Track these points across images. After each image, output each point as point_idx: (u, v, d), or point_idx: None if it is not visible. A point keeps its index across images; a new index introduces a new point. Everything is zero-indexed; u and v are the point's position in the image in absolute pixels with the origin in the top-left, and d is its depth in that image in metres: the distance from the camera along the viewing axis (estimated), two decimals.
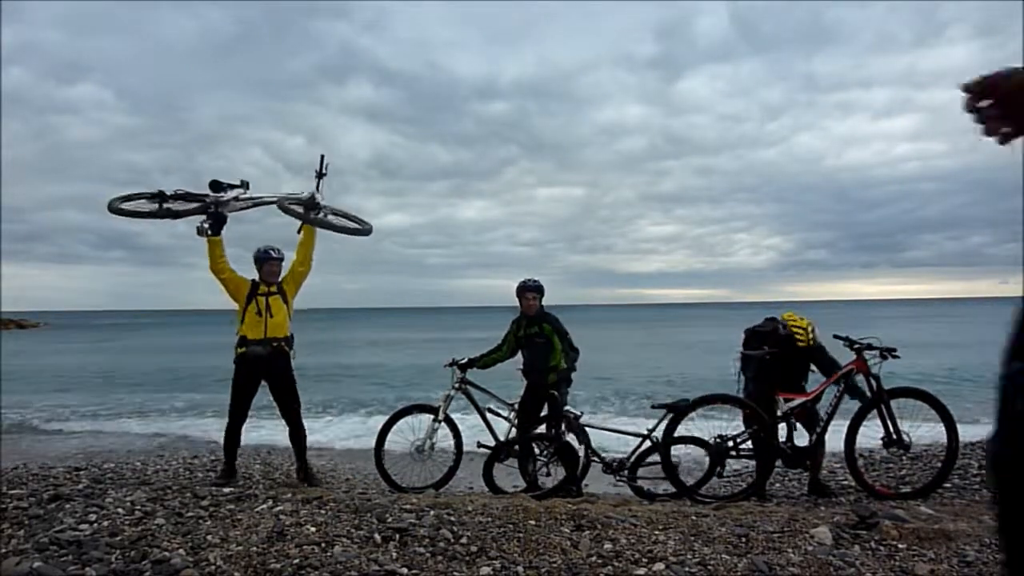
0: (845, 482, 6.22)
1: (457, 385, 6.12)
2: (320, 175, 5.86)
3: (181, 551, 3.23)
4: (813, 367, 5.65)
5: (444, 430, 6.01)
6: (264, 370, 5.65)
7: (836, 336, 5.55)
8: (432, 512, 3.72)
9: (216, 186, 5.55)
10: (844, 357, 5.57)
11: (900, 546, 3.36)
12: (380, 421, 6.37)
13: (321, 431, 10.31)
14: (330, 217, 5.94)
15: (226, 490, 4.47)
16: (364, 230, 6.10)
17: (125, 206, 5.30)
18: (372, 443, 6.12)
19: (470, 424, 6.36)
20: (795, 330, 5.55)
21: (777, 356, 5.55)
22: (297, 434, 5.85)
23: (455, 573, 3.05)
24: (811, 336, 5.54)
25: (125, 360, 29.21)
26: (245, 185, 5.69)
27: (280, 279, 5.80)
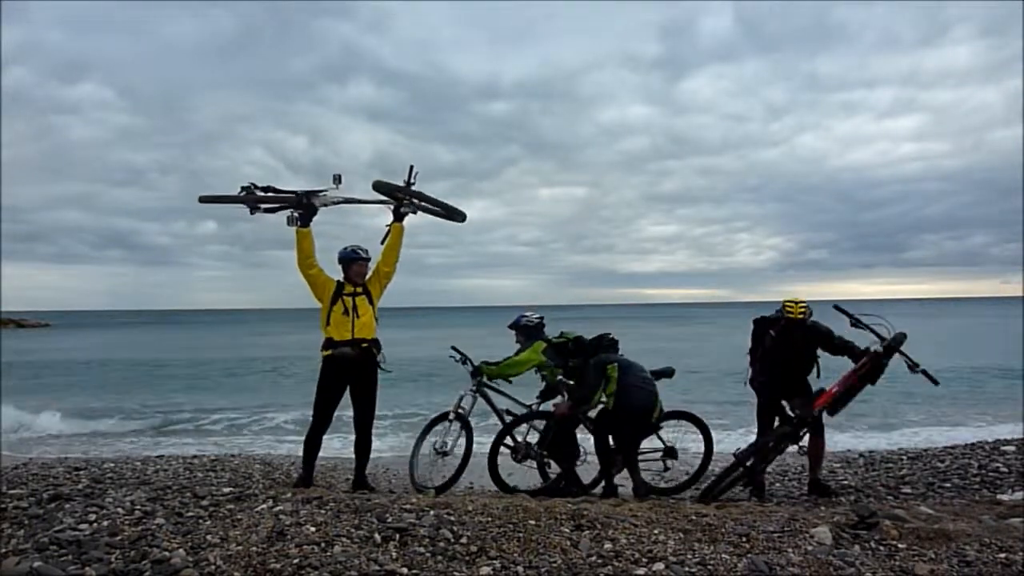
0: (845, 482, 6.23)
1: (474, 387, 6.13)
2: (408, 184, 5.75)
3: (181, 551, 3.23)
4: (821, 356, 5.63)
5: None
6: (352, 373, 5.42)
7: (837, 307, 5.51)
8: (432, 512, 3.72)
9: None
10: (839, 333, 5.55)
11: (900, 546, 3.36)
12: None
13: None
14: (424, 204, 5.88)
15: (226, 490, 4.47)
16: (459, 215, 6.11)
17: (217, 195, 5.54)
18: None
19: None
20: (787, 306, 5.55)
21: (782, 344, 5.56)
22: (364, 443, 5.61)
23: (455, 573, 3.06)
24: (804, 310, 5.52)
25: (130, 367, 29.19)
26: (337, 179, 5.57)
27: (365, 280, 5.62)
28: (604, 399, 5.58)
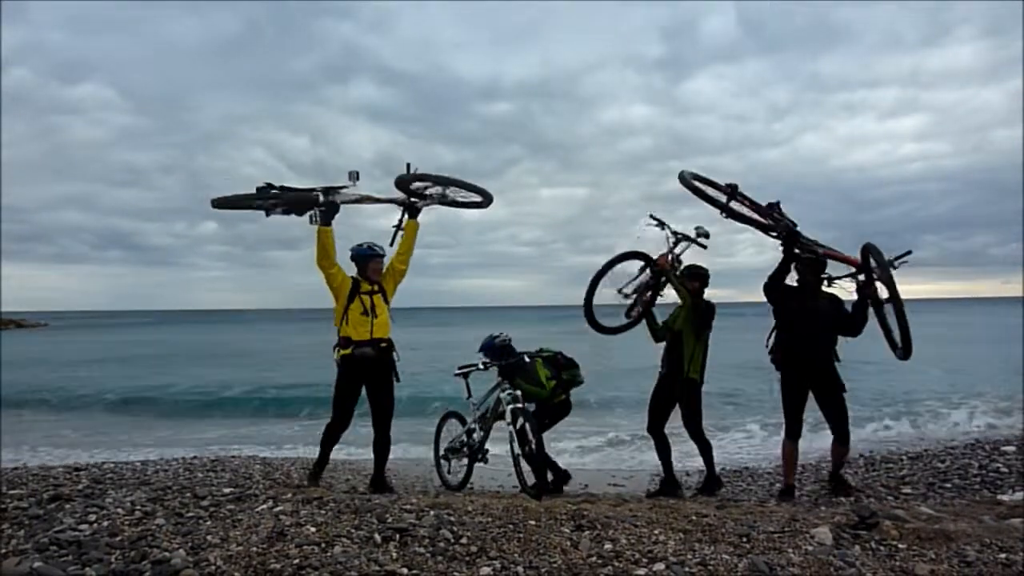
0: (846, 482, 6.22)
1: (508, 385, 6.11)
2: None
3: (181, 551, 3.23)
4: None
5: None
6: (369, 373, 5.43)
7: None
8: (432, 512, 3.72)
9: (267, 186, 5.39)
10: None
11: (900, 546, 3.36)
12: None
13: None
14: (449, 191, 5.86)
15: (226, 490, 4.47)
16: (484, 202, 6.05)
17: (229, 196, 5.35)
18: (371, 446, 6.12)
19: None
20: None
21: (797, 295, 5.38)
22: (383, 442, 5.62)
23: (455, 573, 3.05)
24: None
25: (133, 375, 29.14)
26: (354, 176, 5.44)
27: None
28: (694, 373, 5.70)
